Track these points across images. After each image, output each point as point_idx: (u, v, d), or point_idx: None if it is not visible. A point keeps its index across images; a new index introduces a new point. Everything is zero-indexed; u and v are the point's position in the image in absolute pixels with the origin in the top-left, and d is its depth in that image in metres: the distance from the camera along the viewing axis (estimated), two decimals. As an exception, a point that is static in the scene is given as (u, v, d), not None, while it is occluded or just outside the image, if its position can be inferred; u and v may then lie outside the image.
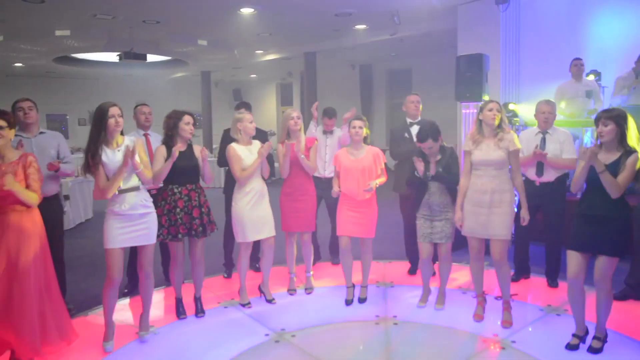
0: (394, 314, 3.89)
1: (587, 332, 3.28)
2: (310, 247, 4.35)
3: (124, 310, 4.04)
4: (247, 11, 8.02)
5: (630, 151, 3.02)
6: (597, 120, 3.12)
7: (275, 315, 3.92)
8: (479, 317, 3.74)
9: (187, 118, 3.69)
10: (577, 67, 6.01)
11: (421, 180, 3.77)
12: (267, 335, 3.58)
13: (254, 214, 3.92)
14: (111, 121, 3.21)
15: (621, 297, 4.06)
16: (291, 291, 4.36)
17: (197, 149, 3.75)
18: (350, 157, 3.99)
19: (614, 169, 3.01)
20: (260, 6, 7.76)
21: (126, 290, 4.37)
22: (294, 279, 4.40)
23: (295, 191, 4.17)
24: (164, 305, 4.21)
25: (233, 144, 3.94)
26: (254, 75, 17.14)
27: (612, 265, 3.07)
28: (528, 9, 7.42)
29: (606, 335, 3.24)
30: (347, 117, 4.36)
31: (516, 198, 3.83)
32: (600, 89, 6.24)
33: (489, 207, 3.52)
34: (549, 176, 4.18)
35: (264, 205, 3.99)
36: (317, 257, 4.92)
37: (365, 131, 3.97)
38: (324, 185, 4.62)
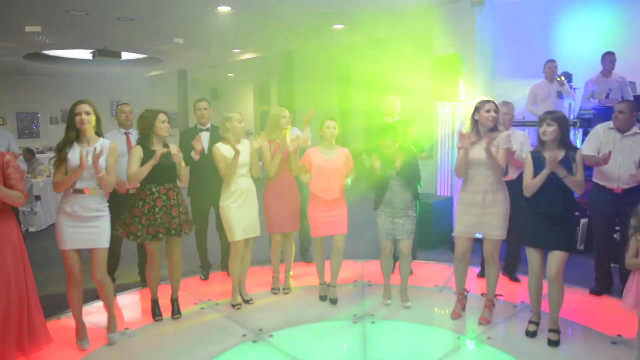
0: (372, 313, 3.91)
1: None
2: (293, 247, 4.34)
3: (98, 313, 3.95)
4: (224, 10, 7.94)
5: (573, 148, 3.26)
6: (541, 121, 3.29)
7: (253, 315, 3.90)
8: (456, 314, 3.79)
9: (162, 116, 3.64)
10: (550, 68, 6.15)
11: (382, 178, 3.83)
12: (244, 335, 3.55)
13: (242, 213, 3.90)
14: (77, 118, 3.16)
15: (596, 292, 4.19)
16: (275, 290, 4.35)
17: (174, 148, 3.71)
18: (323, 157, 4.01)
19: (566, 165, 3.18)
20: (238, 5, 7.70)
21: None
22: (278, 278, 4.39)
23: (284, 191, 4.16)
24: (140, 306, 4.15)
25: (218, 144, 3.93)
26: (231, 75, 17.00)
27: (565, 260, 3.25)
28: (503, 11, 7.55)
29: (559, 326, 3.39)
30: (307, 118, 4.40)
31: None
32: (572, 90, 6.40)
33: (482, 207, 3.56)
34: (512, 174, 4.27)
35: (252, 204, 3.97)
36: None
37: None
38: None
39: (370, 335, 3.58)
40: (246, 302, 4.12)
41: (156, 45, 10.95)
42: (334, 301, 4.12)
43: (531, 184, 3.29)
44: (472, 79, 7.06)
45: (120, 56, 10.19)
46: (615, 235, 4.44)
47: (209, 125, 4.54)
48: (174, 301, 3.89)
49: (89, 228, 3.22)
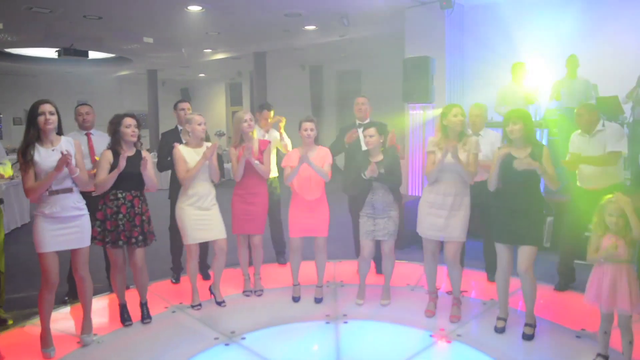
0: (344, 313, 3.92)
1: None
2: (261, 250, 4.32)
3: (64, 319, 3.85)
4: (194, 9, 7.85)
5: (538, 145, 3.37)
6: (507, 120, 3.39)
7: (225, 318, 3.86)
8: (430, 312, 3.85)
9: (126, 121, 3.56)
10: (516, 70, 6.30)
11: (366, 180, 3.84)
12: (216, 338, 3.52)
13: (197, 217, 3.88)
14: (40, 119, 3.08)
15: (560, 288, 4.31)
16: (247, 292, 4.32)
17: (144, 154, 3.65)
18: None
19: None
20: (209, 4, 7.62)
21: (66, 298, 4.18)
22: (248, 280, 4.36)
23: (247, 193, 4.14)
24: (108, 312, 4.05)
25: (180, 146, 3.90)
26: (203, 75, 16.81)
27: (534, 254, 3.35)
28: (471, 14, 7.71)
29: (535, 321, 3.48)
30: (280, 126, 4.43)
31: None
32: (538, 91, 6.57)
33: (450, 209, 3.62)
34: (482, 175, 4.36)
35: (210, 208, 3.93)
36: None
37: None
38: None
39: (343, 335, 3.59)
40: (219, 303, 4.08)
41: (125, 44, 10.74)
42: (319, 300, 4.15)
43: (489, 177, 3.43)
44: (442, 81, 7.18)
45: (87, 55, 9.95)
46: (587, 234, 4.58)
47: None
48: (143, 305, 3.82)
49: (71, 228, 3.17)
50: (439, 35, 7.45)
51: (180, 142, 4.21)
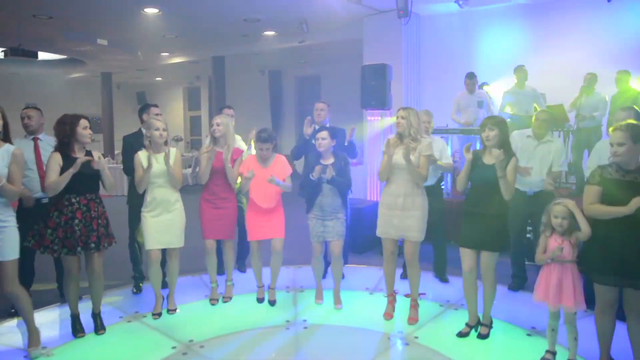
0: (304, 318, 3.93)
1: (478, 322, 3.62)
2: (232, 256, 4.27)
3: (11, 333, 3.68)
4: (151, 11, 7.70)
5: (510, 152, 3.43)
6: (483, 126, 3.47)
7: (183, 326, 3.79)
8: (389, 315, 3.91)
9: (83, 122, 3.45)
10: (470, 80, 6.53)
11: (315, 183, 3.91)
12: (174, 348, 3.45)
13: (156, 224, 3.82)
14: None
15: (514, 288, 4.48)
16: (213, 301, 4.25)
17: (96, 155, 3.54)
18: (260, 166, 4.07)
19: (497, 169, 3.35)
20: (166, 7, 7.50)
21: (13, 310, 3.98)
22: (215, 288, 4.30)
23: (216, 198, 4.10)
24: (59, 323, 3.89)
25: (140, 152, 3.85)
26: (160, 78, 16.48)
27: (495, 259, 3.45)
28: (427, 23, 7.93)
29: (491, 322, 3.60)
30: (251, 137, 4.48)
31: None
32: (490, 100, 6.84)
33: (402, 209, 3.69)
34: (430, 180, 4.49)
35: (170, 215, 3.87)
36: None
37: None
38: None
39: (303, 340, 3.60)
40: (171, 312, 4.01)
41: (78, 45, 10.39)
42: (272, 303, 4.19)
43: (459, 176, 3.52)
44: (399, 87, 7.34)
45: (36, 56, 9.53)
46: (528, 235, 4.80)
47: None
48: (97, 316, 3.69)
49: None
50: (396, 43, 7.62)
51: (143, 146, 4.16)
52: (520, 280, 4.53)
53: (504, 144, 3.41)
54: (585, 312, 3.19)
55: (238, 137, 4.94)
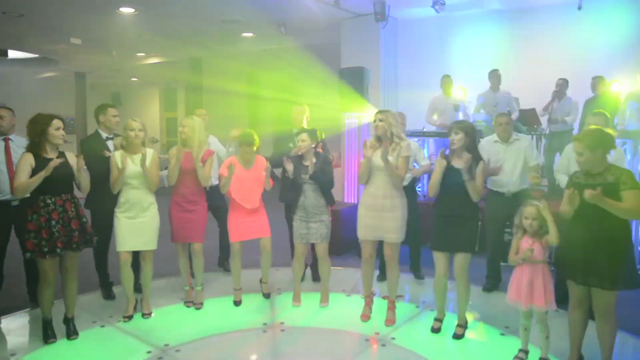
0: (282, 321, 3.92)
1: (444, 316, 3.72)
2: (201, 258, 4.22)
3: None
4: (127, 11, 7.59)
5: (478, 157, 3.51)
6: (450, 130, 3.55)
7: (158, 330, 3.74)
8: (366, 317, 3.93)
9: (56, 123, 3.39)
10: (446, 82, 6.63)
11: (293, 180, 3.94)
12: (149, 352, 3.40)
13: (128, 225, 3.77)
14: None
15: (488, 289, 4.55)
16: (188, 303, 4.21)
17: (72, 157, 3.48)
18: (242, 167, 4.09)
19: (467, 173, 3.42)
20: (142, 7, 7.40)
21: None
22: (189, 290, 4.25)
23: (185, 201, 4.06)
24: (29, 330, 3.79)
25: (117, 152, 3.80)
26: (135, 79, 16.23)
27: (468, 260, 3.51)
28: (404, 28, 8.03)
29: (466, 322, 3.67)
30: (234, 135, 4.43)
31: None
32: (466, 103, 6.95)
33: (382, 210, 3.72)
34: (405, 181, 4.54)
35: (143, 217, 3.82)
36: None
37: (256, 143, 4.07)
38: (207, 194, 4.55)
39: (280, 342, 3.59)
40: (145, 315, 3.95)
41: (50, 44, 10.16)
42: (267, 296, 4.33)
43: (431, 182, 3.57)
44: (377, 91, 7.40)
45: (6, 54, 9.32)
46: (506, 237, 4.89)
47: (113, 135, 4.31)
48: (70, 321, 3.61)
49: None
50: (374, 47, 7.69)
51: (105, 148, 4.09)
52: (495, 281, 4.60)
53: (471, 148, 3.49)
54: (556, 311, 3.26)
55: (215, 139, 4.92)
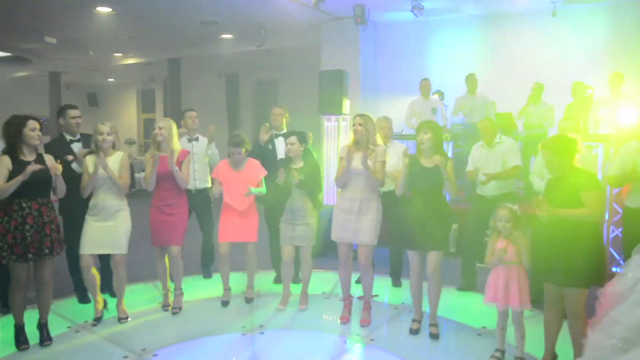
0: (261, 324, 3.90)
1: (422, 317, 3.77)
2: (180, 263, 4.17)
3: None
4: (104, 10, 7.47)
5: (445, 155, 3.60)
6: (418, 131, 3.63)
7: (135, 335, 3.68)
8: (345, 319, 3.94)
9: (31, 123, 3.33)
10: (424, 86, 6.71)
11: (282, 187, 3.94)
12: (125, 357, 3.34)
13: (94, 229, 3.72)
14: None
15: (463, 289, 4.62)
16: (165, 307, 4.16)
17: (50, 160, 3.41)
18: (232, 170, 4.12)
19: (438, 172, 3.49)
20: (120, 7, 7.30)
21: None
22: (167, 294, 4.20)
23: (164, 204, 4.02)
24: (-1, 335, 3.69)
25: (88, 156, 3.77)
26: (112, 79, 15.98)
27: (440, 259, 3.58)
28: (384, 32, 8.10)
29: (436, 319, 3.70)
30: (210, 135, 4.54)
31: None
32: (444, 107, 7.04)
33: (358, 214, 3.74)
34: (389, 185, 4.57)
35: (112, 221, 3.76)
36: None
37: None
38: (193, 197, 4.52)
39: (259, 346, 3.57)
40: (121, 320, 3.88)
41: (23, 43, 9.93)
42: (249, 300, 4.28)
43: (397, 181, 3.66)
44: (356, 94, 7.44)
45: (-23, 53, 9.08)
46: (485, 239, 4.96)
47: (78, 136, 4.23)
48: (43, 326, 3.53)
49: None
50: (354, 50, 7.74)
51: (69, 152, 4.00)
52: (469, 282, 4.67)
53: (438, 148, 3.56)
54: (532, 311, 3.32)
55: (216, 150, 4.89)
